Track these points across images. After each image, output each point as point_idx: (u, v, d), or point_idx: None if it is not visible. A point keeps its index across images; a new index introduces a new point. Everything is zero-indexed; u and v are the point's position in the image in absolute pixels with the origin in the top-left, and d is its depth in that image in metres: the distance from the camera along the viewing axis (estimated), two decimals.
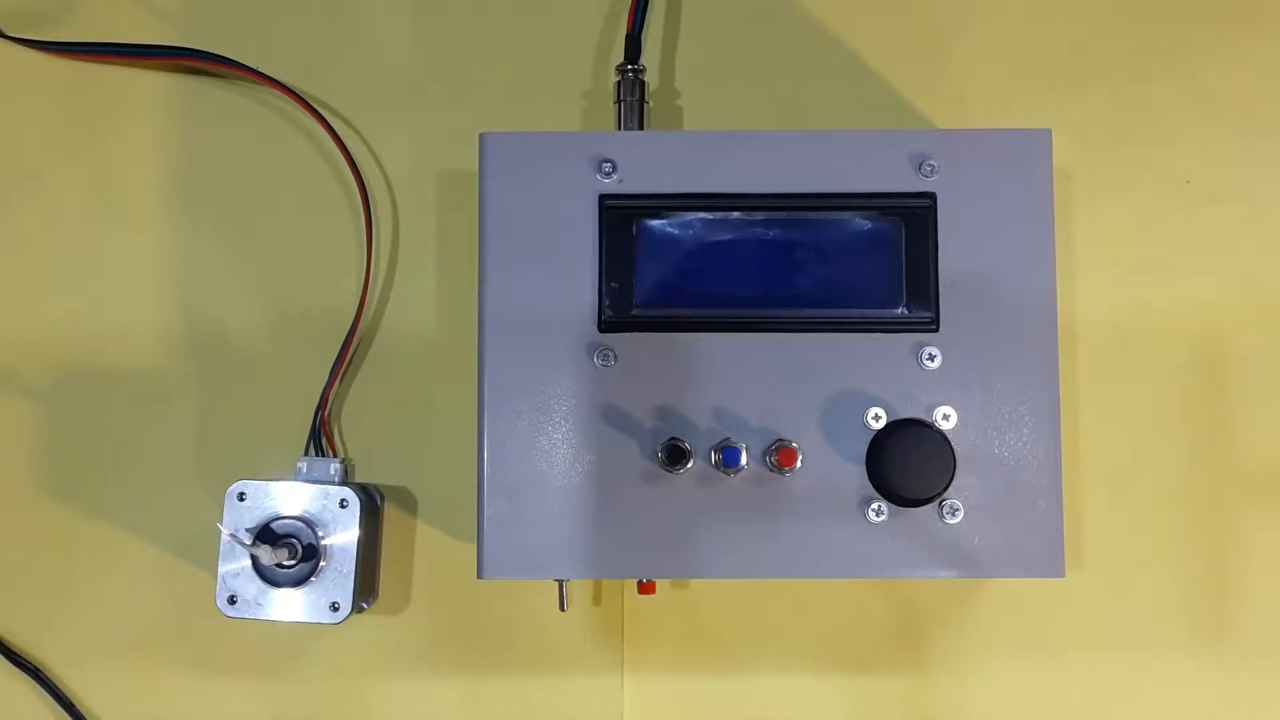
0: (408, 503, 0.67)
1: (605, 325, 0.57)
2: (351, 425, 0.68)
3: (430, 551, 0.67)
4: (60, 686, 0.66)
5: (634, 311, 0.57)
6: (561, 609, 0.62)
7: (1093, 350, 0.67)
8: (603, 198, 0.57)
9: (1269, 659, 0.66)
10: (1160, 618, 0.66)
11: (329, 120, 0.68)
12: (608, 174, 0.57)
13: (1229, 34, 0.69)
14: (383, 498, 0.67)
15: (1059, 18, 0.69)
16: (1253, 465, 0.66)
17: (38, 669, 0.66)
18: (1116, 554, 0.66)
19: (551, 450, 0.56)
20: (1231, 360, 0.66)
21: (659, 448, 0.56)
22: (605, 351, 0.57)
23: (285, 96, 0.68)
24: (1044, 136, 0.57)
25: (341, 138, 0.68)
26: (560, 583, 0.61)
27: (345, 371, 0.67)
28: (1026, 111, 0.68)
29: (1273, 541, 0.66)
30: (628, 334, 0.57)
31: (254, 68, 0.68)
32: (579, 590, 0.67)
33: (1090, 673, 0.66)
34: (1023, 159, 0.57)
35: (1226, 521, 0.66)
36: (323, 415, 0.66)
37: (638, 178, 0.57)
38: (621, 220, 0.57)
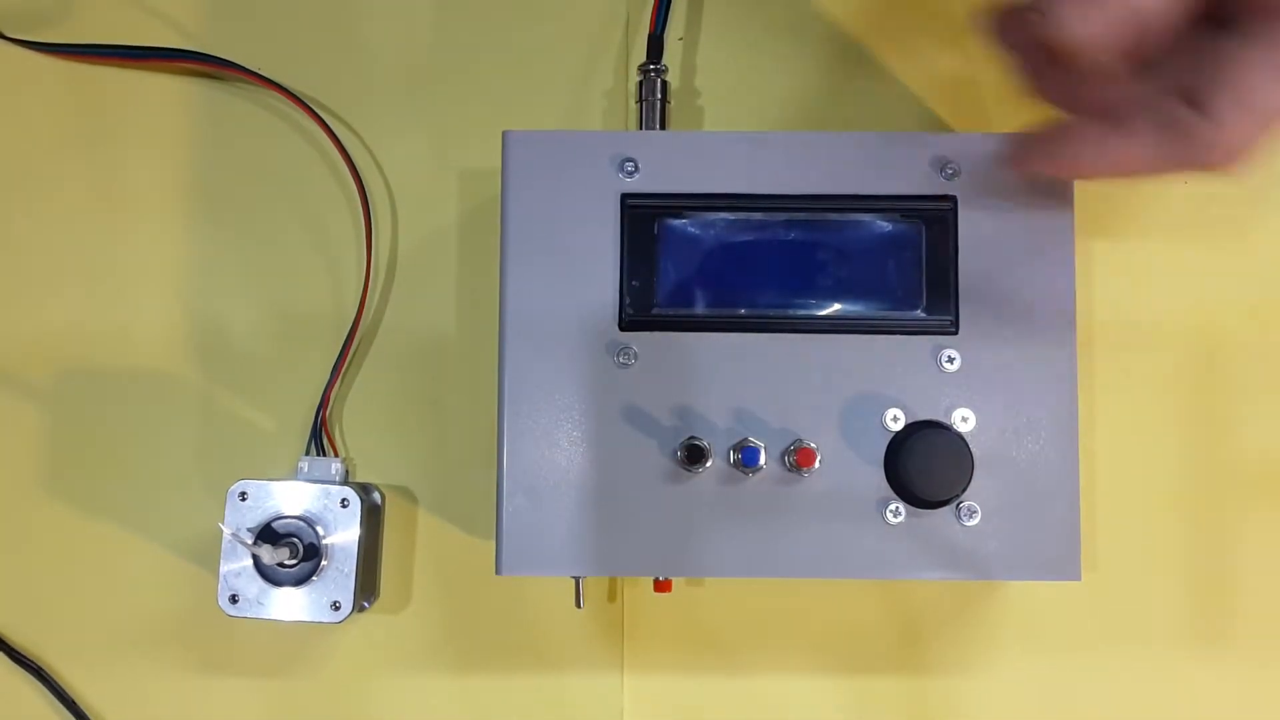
0: (408, 502, 0.67)
1: (626, 324, 0.57)
2: (352, 425, 0.67)
3: (431, 551, 0.67)
4: (63, 685, 0.66)
5: (655, 311, 0.57)
6: (578, 605, 0.61)
7: (1100, 352, 0.67)
8: (624, 197, 0.57)
9: (1276, 659, 0.67)
10: (1168, 619, 0.66)
11: (328, 123, 0.67)
12: (630, 173, 0.57)
13: None
14: (383, 497, 0.67)
15: None
16: (1262, 465, 0.66)
17: (40, 668, 0.66)
18: (1125, 556, 0.66)
19: (571, 448, 0.56)
20: (1237, 360, 0.67)
21: (678, 447, 0.56)
22: (626, 350, 0.57)
23: (286, 99, 0.68)
24: None
25: (341, 140, 0.67)
26: (577, 580, 0.61)
27: (346, 371, 0.67)
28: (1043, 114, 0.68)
29: None
30: (648, 333, 0.57)
31: (255, 71, 0.68)
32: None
33: (1095, 674, 0.66)
34: None
35: (1237, 522, 0.66)
36: (323, 415, 0.66)
37: (660, 177, 0.57)
38: (643, 219, 0.57)
